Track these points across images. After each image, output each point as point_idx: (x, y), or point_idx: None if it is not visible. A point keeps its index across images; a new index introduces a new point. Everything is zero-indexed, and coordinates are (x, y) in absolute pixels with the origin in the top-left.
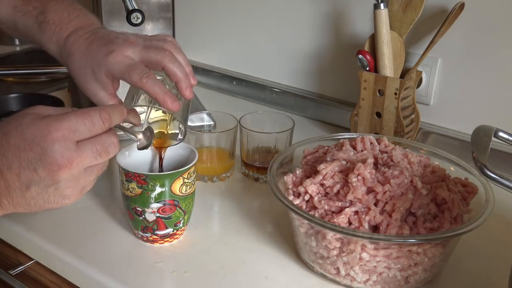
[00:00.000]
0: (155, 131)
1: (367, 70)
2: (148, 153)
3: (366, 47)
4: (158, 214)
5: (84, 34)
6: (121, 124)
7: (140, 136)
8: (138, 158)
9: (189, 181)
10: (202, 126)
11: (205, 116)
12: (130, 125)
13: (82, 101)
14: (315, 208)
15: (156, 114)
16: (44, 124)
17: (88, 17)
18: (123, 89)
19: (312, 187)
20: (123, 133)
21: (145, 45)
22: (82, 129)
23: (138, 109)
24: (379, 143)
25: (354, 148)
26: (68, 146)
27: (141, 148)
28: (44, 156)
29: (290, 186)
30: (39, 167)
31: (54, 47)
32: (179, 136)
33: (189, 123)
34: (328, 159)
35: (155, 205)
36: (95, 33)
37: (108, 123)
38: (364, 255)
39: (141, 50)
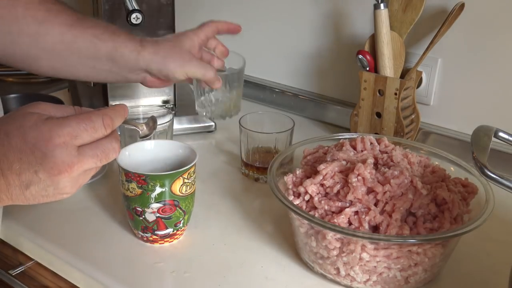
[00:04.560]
0: None
1: (367, 70)
2: (148, 153)
3: (366, 47)
4: (158, 214)
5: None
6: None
7: (143, 127)
8: (138, 158)
9: (189, 181)
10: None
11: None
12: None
13: (82, 101)
14: (315, 208)
15: None
16: (46, 128)
17: None
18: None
19: (312, 187)
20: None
21: None
22: (84, 135)
23: None
24: (379, 143)
25: (354, 148)
26: (69, 152)
27: (143, 137)
28: (45, 160)
29: (290, 186)
30: (40, 170)
31: (132, 43)
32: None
33: (188, 126)
34: (328, 159)
35: (155, 205)
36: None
37: (110, 128)
38: (364, 255)
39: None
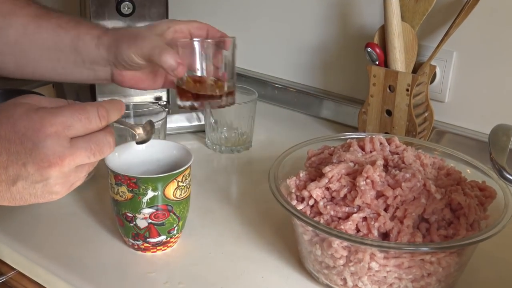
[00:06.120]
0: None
1: (376, 65)
2: (139, 154)
3: (376, 40)
4: (150, 220)
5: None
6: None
7: (140, 130)
8: (128, 159)
9: (184, 184)
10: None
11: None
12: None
13: (68, 98)
14: (320, 214)
15: None
16: (37, 117)
17: None
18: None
19: (317, 191)
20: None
21: None
22: (78, 125)
23: None
24: (389, 144)
25: (363, 149)
26: (61, 143)
27: (140, 142)
28: (35, 151)
29: (293, 190)
30: (28, 162)
31: (97, 30)
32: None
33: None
34: (334, 160)
35: (147, 211)
36: None
37: (105, 120)
38: (373, 264)
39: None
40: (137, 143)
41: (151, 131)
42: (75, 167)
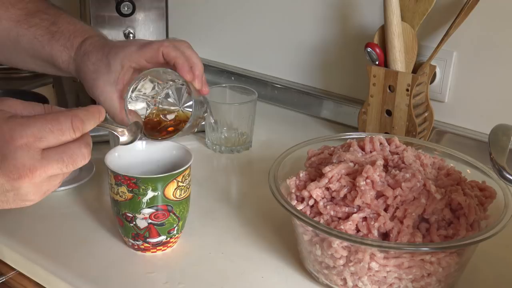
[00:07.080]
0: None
1: (376, 65)
2: (139, 154)
3: (376, 40)
4: (150, 221)
5: (101, 38)
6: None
7: (124, 132)
8: (128, 159)
9: (184, 184)
10: None
11: None
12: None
13: (67, 98)
14: (320, 214)
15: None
16: (7, 128)
17: (99, 31)
18: None
19: (316, 191)
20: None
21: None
22: (49, 137)
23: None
24: (389, 144)
25: (363, 149)
26: (32, 155)
27: (124, 143)
28: (4, 163)
29: (293, 190)
30: None
31: (66, 54)
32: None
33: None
34: (334, 160)
35: (146, 211)
36: (110, 40)
37: (80, 131)
38: (373, 264)
39: (164, 42)
40: (121, 144)
41: (136, 132)
42: (48, 176)
